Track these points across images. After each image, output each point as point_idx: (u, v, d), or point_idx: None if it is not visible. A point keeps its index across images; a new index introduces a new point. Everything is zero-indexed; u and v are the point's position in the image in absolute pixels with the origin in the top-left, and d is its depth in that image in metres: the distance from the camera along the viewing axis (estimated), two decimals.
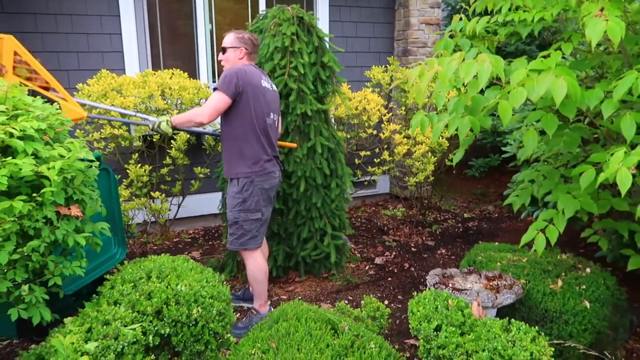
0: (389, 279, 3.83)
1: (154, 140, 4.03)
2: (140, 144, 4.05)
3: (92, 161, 2.01)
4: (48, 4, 4.27)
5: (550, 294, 2.63)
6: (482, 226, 5.14)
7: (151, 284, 1.92)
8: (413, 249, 4.45)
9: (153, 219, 4.42)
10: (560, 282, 2.69)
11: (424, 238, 4.72)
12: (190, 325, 1.87)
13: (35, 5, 4.23)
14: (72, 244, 1.85)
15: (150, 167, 4.03)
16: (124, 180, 4.00)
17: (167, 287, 1.91)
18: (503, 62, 2.06)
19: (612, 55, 2.59)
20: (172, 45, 4.93)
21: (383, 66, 5.32)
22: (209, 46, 4.97)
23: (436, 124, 2.32)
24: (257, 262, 3.02)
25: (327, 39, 3.64)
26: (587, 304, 2.58)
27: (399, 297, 3.51)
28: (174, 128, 3.00)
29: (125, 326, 1.77)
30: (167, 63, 4.83)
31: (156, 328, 1.82)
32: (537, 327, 2.11)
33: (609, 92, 2.06)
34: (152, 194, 4.00)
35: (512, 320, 2.15)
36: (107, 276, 2.13)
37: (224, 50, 2.99)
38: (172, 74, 4.30)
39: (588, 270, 2.83)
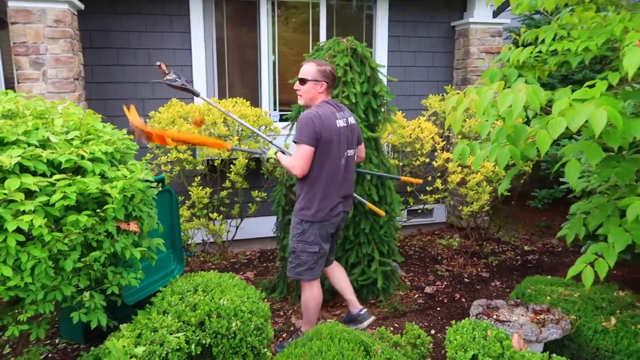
0: (438, 308, 3.78)
1: (216, 164, 4.29)
2: (203, 167, 4.33)
3: (152, 182, 2.23)
4: (130, 40, 4.72)
5: (602, 331, 2.51)
6: (543, 260, 4.94)
7: (197, 297, 2.07)
8: (466, 279, 4.36)
9: (212, 240, 4.66)
10: (613, 320, 2.57)
11: (478, 269, 4.62)
12: (230, 337, 1.99)
13: (118, 41, 4.70)
14: (129, 256, 2.05)
15: (211, 190, 4.28)
16: (186, 201, 4.27)
17: (210, 301, 2.05)
18: (543, 92, 2.06)
19: None
20: (237, 76, 5.25)
21: (440, 95, 5.35)
22: (271, 76, 5.24)
23: (477, 154, 2.34)
24: (310, 293, 3.03)
25: (380, 69, 3.75)
26: None
27: (447, 327, 3.45)
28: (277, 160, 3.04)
29: (171, 334, 1.92)
30: (232, 92, 5.15)
31: (198, 338, 1.96)
32: None
33: None
34: (210, 215, 4.24)
35: (554, 355, 2.09)
36: (161, 288, 2.32)
37: (303, 81, 2.94)
38: (236, 102, 4.58)
39: None
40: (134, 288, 2.78)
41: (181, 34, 4.91)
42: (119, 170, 2.05)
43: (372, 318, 3.22)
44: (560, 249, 5.31)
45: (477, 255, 4.95)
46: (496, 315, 2.69)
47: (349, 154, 3.01)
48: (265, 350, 2.13)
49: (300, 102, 3.03)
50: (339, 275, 3.26)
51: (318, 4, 5.28)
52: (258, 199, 4.54)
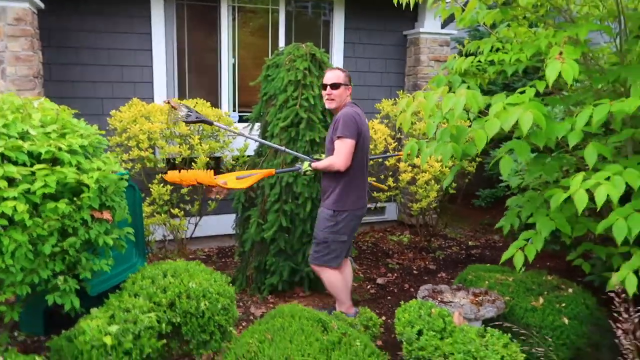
0: (389, 297, 4.05)
1: (177, 162, 4.40)
2: (164, 165, 4.42)
3: (124, 174, 2.35)
4: (90, 40, 4.75)
5: (532, 310, 2.83)
6: (485, 253, 5.32)
7: (167, 280, 2.22)
8: (415, 271, 4.67)
9: (171, 237, 4.75)
10: (541, 300, 2.90)
11: (426, 262, 4.94)
12: (198, 316, 2.15)
13: (78, 40, 4.72)
14: (102, 243, 2.18)
15: (172, 187, 4.38)
16: (147, 198, 4.35)
17: (180, 284, 2.20)
18: (481, 96, 2.35)
19: (588, 94, 2.86)
20: (197, 77, 5.37)
21: (393, 99, 5.66)
22: (231, 78, 5.39)
23: (425, 150, 2.61)
24: (334, 275, 3.28)
25: None
26: (566, 320, 2.77)
27: None
28: (313, 170, 3.30)
29: (143, 314, 2.06)
30: (192, 93, 5.25)
31: (169, 317, 2.11)
32: (515, 340, 2.32)
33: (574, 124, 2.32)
34: (172, 211, 4.34)
35: (488, 328, 2.38)
36: (130, 275, 2.44)
37: (336, 86, 3.20)
38: (196, 102, 4.70)
39: (570, 290, 3.03)
40: (99, 279, 2.89)
41: (142, 35, 4.98)
42: (93, 162, 2.17)
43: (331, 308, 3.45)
44: (501, 244, 5.72)
45: (426, 250, 5.28)
46: (440, 297, 2.96)
47: (368, 147, 3.36)
48: (231, 328, 2.30)
49: (331, 105, 3.27)
50: (348, 272, 3.49)
51: (277, 10, 5.48)
52: (218, 196, 4.68)
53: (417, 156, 2.74)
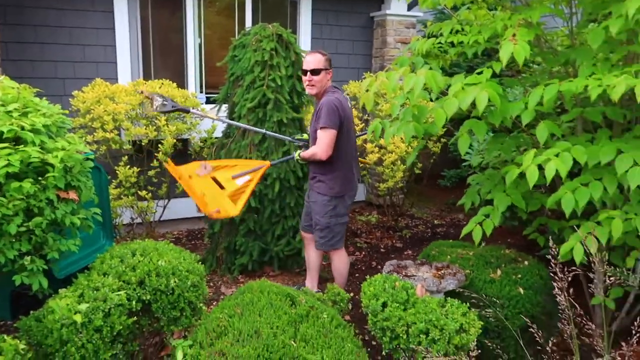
0: (357, 275, 4.16)
1: (143, 144, 4.36)
2: (130, 147, 4.38)
3: (89, 154, 2.35)
4: (47, 17, 4.61)
5: (490, 281, 2.98)
6: (450, 232, 5.50)
7: (135, 259, 2.24)
8: (382, 250, 4.80)
9: (139, 220, 4.73)
10: (499, 272, 3.05)
11: (393, 241, 5.07)
12: (168, 293, 2.19)
13: (35, 18, 4.58)
14: (68, 223, 2.18)
15: (139, 169, 4.35)
16: (113, 180, 4.31)
17: (149, 262, 2.23)
18: (441, 76, 2.44)
19: (542, 75, 2.99)
20: (163, 57, 5.29)
21: (360, 81, 5.72)
22: (197, 59, 5.33)
23: (388, 129, 2.69)
24: (344, 258, 3.44)
25: (304, 54, 4.02)
26: (521, 290, 2.93)
27: None
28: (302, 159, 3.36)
29: (113, 292, 2.09)
30: (157, 74, 5.18)
31: (139, 295, 2.14)
32: (474, 309, 2.45)
33: (527, 103, 2.44)
34: (139, 193, 4.32)
35: (448, 298, 2.50)
36: (98, 255, 2.45)
37: (316, 72, 3.19)
38: (162, 84, 4.65)
39: (526, 262, 3.20)
40: (66, 261, 2.88)
41: (104, 13, 4.87)
42: (57, 142, 2.16)
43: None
44: (465, 222, 5.91)
45: (393, 229, 5.41)
46: (405, 272, 3.08)
47: (354, 130, 3.44)
48: (201, 305, 2.35)
49: (312, 92, 3.28)
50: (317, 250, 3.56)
51: None
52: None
53: (381, 136, 2.82)
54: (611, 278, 2.49)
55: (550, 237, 3.53)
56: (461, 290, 3.02)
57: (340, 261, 3.45)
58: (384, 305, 2.49)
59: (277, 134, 3.71)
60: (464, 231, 2.81)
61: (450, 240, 3.72)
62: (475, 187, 3.29)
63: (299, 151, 3.37)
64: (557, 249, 2.27)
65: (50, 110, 2.24)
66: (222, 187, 3.25)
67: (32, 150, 1.97)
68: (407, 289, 2.60)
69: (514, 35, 2.16)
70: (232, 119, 4.02)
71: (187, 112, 3.70)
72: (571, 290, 2.16)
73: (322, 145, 3.14)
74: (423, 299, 2.51)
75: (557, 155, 2.20)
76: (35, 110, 2.14)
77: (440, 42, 2.82)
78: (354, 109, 5.18)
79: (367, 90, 2.45)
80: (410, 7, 6.28)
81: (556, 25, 4.04)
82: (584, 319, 2.27)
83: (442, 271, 3.08)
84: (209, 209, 3.11)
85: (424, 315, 2.35)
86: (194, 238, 5.04)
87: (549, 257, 2.25)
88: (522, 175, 2.58)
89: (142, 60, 5.16)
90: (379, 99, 5.12)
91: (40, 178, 2.02)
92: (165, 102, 3.57)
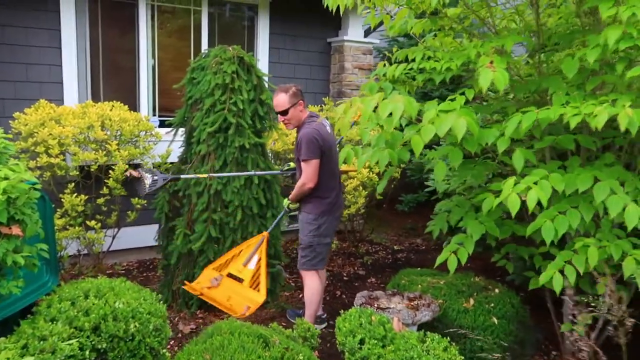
0: (322, 305, 4.00)
1: (92, 169, 4.06)
2: (77, 173, 4.06)
3: (34, 184, 2.10)
4: None
5: (464, 311, 2.92)
6: (411, 257, 5.46)
7: (89, 302, 2.00)
8: (345, 278, 4.67)
9: (86, 251, 4.37)
10: (472, 301, 2.99)
11: (355, 268, 4.96)
12: (127, 340, 1.96)
13: None
14: (10, 263, 1.91)
15: (87, 197, 4.03)
16: (58, 209, 3.97)
17: (105, 304, 2.00)
18: (416, 103, 2.38)
19: (509, 101, 3.02)
20: (113, 79, 5.02)
21: (319, 106, 5.66)
22: (150, 81, 5.10)
23: (361, 156, 2.60)
24: (317, 284, 3.37)
25: (266, 78, 3.91)
26: (495, 320, 2.88)
27: (331, 322, 3.69)
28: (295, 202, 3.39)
29: (63, 342, 1.84)
30: (107, 96, 4.90)
31: (93, 343, 1.89)
32: (449, 340, 2.36)
33: (501, 131, 2.42)
34: (87, 223, 4.00)
35: (428, 332, 2.40)
36: (43, 297, 2.18)
37: (285, 112, 3.22)
38: (113, 106, 4.38)
39: (497, 290, 3.17)
40: (4, 302, 2.56)
41: (49, 31, 4.57)
42: None
43: (325, 325, 3.59)
44: (424, 247, 5.91)
45: (354, 256, 5.31)
46: (377, 304, 2.96)
47: (337, 151, 3.43)
48: (164, 350, 2.12)
49: (290, 127, 3.37)
50: (321, 274, 3.51)
51: (200, 12, 5.28)
52: (138, 206, 4.38)
53: (344, 162, 2.76)
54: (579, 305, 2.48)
55: (513, 264, 3.54)
56: (434, 321, 2.94)
57: (313, 285, 3.38)
58: (362, 342, 2.35)
59: (266, 171, 3.67)
60: (438, 260, 2.74)
61: (418, 269, 3.65)
62: (443, 214, 3.24)
63: (285, 200, 3.43)
64: (524, 277, 2.23)
65: None
66: (240, 279, 3.26)
67: None
68: (384, 323, 2.48)
69: (491, 62, 2.13)
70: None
71: (178, 179, 3.59)
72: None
73: (308, 175, 3.21)
74: (402, 334, 2.39)
75: (535, 184, 2.18)
76: None
77: (411, 68, 2.78)
78: None
79: (342, 117, 2.35)
80: (366, 34, 6.34)
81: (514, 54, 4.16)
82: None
83: (415, 302, 2.98)
84: (238, 312, 3.11)
85: (405, 352, 2.23)
86: (146, 269, 4.72)
87: (517, 283, 2.20)
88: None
89: (91, 81, 4.87)
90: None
91: None
92: (155, 178, 3.40)
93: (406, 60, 2.90)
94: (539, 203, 2.14)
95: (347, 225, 5.52)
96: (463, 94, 2.57)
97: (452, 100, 2.47)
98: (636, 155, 2.54)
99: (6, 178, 1.88)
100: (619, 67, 2.02)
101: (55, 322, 1.92)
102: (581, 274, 2.33)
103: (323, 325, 3.60)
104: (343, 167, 3.77)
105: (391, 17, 3.14)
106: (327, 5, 2.95)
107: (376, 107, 2.30)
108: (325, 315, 3.69)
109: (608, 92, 2.21)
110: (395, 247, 5.81)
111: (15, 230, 1.94)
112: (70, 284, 2.25)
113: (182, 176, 3.62)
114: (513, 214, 2.11)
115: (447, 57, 2.59)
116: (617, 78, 2.14)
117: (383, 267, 5.04)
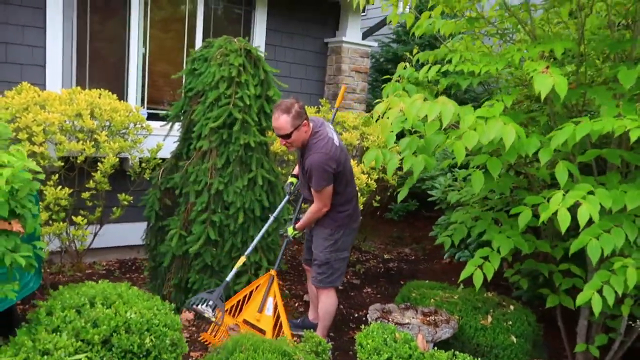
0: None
1: (78, 161, 3.74)
2: (61, 164, 3.74)
3: (37, 173, 1.83)
4: None
5: (482, 329, 2.78)
6: (402, 267, 5.33)
7: (98, 311, 1.75)
8: (340, 287, 4.48)
9: (62, 248, 4.03)
10: (490, 318, 2.86)
11: (349, 277, 4.79)
12: (142, 356, 1.72)
13: None
14: (9, 263, 1.65)
15: (71, 190, 3.71)
16: (39, 202, 3.64)
17: (115, 314, 1.75)
18: (457, 107, 2.23)
19: (536, 112, 2.91)
20: (101, 65, 4.70)
21: (315, 107, 5.48)
22: (140, 70, 4.81)
23: (390, 160, 2.43)
24: (334, 300, 3.18)
25: (273, 73, 3.70)
26: (514, 339, 2.76)
27: (332, 333, 3.49)
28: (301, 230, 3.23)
29: (69, 356, 1.58)
30: (93, 83, 4.57)
31: (104, 359, 1.65)
32: None
33: (543, 141, 2.29)
34: (74, 218, 3.69)
35: (457, 352, 2.24)
36: (39, 302, 1.91)
37: (287, 136, 2.89)
38: (100, 94, 4.07)
39: (512, 307, 3.05)
40: None
41: (33, 9, 4.23)
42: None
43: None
44: (413, 257, 5.80)
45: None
46: (391, 318, 2.79)
47: (348, 155, 3.21)
48: None
49: (293, 149, 3.13)
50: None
51: (195, 1, 5.03)
52: (125, 202, 4.08)
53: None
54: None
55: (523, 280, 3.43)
56: (451, 338, 2.79)
57: (330, 302, 3.18)
58: None
59: (279, 208, 3.38)
60: (463, 275, 2.58)
61: (427, 281, 3.50)
62: (460, 225, 3.11)
63: (290, 228, 3.22)
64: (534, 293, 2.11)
65: None
66: (262, 331, 2.95)
67: None
68: (409, 341, 2.31)
69: (547, 67, 2.00)
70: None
71: (221, 297, 3.06)
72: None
73: (322, 201, 3.00)
74: (431, 353, 2.23)
75: (583, 199, 2.05)
76: None
77: (446, 70, 2.63)
78: None
79: (383, 118, 2.17)
80: (364, 37, 6.21)
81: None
82: None
83: (431, 317, 2.83)
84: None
85: None
86: (128, 270, 4.41)
87: (524, 299, 2.07)
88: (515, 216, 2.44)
89: (77, 66, 4.54)
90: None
91: None
92: (210, 301, 2.94)
93: (436, 63, 2.74)
94: (573, 218, 2.02)
95: None
96: (500, 100, 2.43)
97: (490, 105, 2.34)
98: None
99: (9, 165, 1.61)
100: None
101: (59, 333, 1.66)
102: (620, 296, 2.22)
103: None
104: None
105: (416, 17, 2.98)
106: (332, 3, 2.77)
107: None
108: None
109: None
110: (385, 256, 5.67)
111: (16, 226, 1.68)
112: (69, 287, 1.98)
113: (228, 279, 3.16)
114: (563, 230, 1.98)
115: (485, 61, 2.45)
116: None
117: (376, 277, 4.89)
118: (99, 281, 2.31)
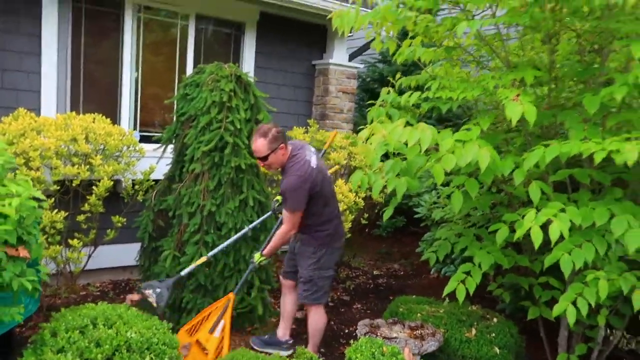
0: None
1: (73, 185, 3.84)
2: (57, 188, 3.83)
3: (42, 201, 1.94)
4: None
5: (466, 341, 2.90)
6: (391, 283, 5.44)
7: (100, 331, 1.85)
8: (330, 303, 4.58)
9: (58, 271, 4.10)
10: (474, 331, 2.98)
11: (339, 294, 4.89)
12: None
13: None
14: (17, 287, 1.75)
15: (67, 213, 3.80)
16: None
17: (117, 334, 1.85)
18: (437, 132, 2.39)
19: (513, 133, 3.08)
20: (94, 90, 4.81)
21: (304, 127, 5.62)
22: (133, 94, 4.93)
23: (375, 182, 2.57)
24: (322, 316, 3.26)
25: (263, 97, 3.84)
26: (497, 350, 2.88)
27: (322, 349, 3.59)
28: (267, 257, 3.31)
29: None
30: (87, 108, 4.68)
31: None
32: None
33: (517, 163, 2.45)
34: (70, 241, 3.77)
35: None
36: (44, 324, 2.00)
37: (264, 158, 3.01)
38: (94, 118, 4.18)
39: (495, 320, 3.18)
40: None
41: (29, 36, 4.35)
42: (7, 186, 1.75)
43: (292, 351, 3.39)
44: (402, 273, 5.91)
45: (336, 281, 5.23)
46: (379, 332, 2.91)
47: (330, 178, 3.31)
48: None
49: (272, 170, 3.25)
50: (294, 299, 3.44)
51: (187, 26, 5.18)
52: (119, 224, 4.17)
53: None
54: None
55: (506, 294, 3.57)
56: (436, 351, 2.90)
57: (318, 318, 3.26)
58: None
59: (259, 220, 3.51)
60: (446, 290, 2.72)
61: (414, 296, 3.62)
62: (445, 242, 3.24)
63: (257, 255, 3.30)
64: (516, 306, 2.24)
65: None
66: (205, 349, 3.05)
67: None
68: (396, 354, 2.43)
69: (518, 95, 2.16)
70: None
71: (181, 278, 3.35)
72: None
73: (288, 223, 3.09)
74: None
75: (554, 216, 2.20)
76: None
77: (427, 97, 2.79)
78: None
79: (366, 143, 2.32)
80: (351, 59, 6.40)
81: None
82: None
83: (418, 331, 2.95)
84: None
85: None
86: (122, 291, 4.48)
87: (508, 312, 2.20)
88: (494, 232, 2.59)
89: (70, 91, 4.65)
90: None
91: None
92: (158, 289, 3.13)
93: (417, 88, 2.91)
94: (546, 234, 2.17)
95: None
96: (477, 124, 2.59)
97: (467, 130, 2.50)
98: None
99: (17, 195, 1.72)
100: None
101: (64, 354, 1.76)
102: (593, 306, 2.36)
103: (289, 352, 3.40)
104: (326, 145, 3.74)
105: (398, 45, 3.16)
106: (331, 26, 2.94)
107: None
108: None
109: (630, 129, 2.28)
110: (375, 272, 5.78)
111: (23, 252, 1.78)
112: (71, 310, 2.08)
113: (183, 273, 3.32)
114: (536, 246, 2.12)
115: (462, 87, 2.61)
116: (638, 117, 2.22)
117: (366, 293, 4.99)
118: (97, 302, 2.41)
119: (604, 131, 2.30)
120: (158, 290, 3.09)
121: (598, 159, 2.03)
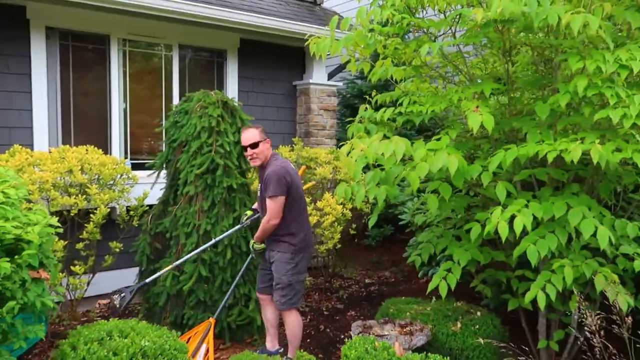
0: (308, 340, 4.09)
1: (71, 214, 4.01)
2: (56, 218, 3.99)
3: (57, 227, 2.14)
4: None
5: (453, 334, 3.12)
6: (383, 290, 5.65)
7: (118, 341, 2.04)
8: (325, 312, 4.78)
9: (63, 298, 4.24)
10: (459, 324, 3.21)
11: (333, 302, 5.09)
12: None
13: None
14: (40, 306, 1.94)
15: (66, 242, 3.96)
16: None
17: (132, 343, 2.04)
18: (409, 143, 2.64)
19: (482, 139, 3.35)
20: (85, 123, 5.01)
21: (289, 146, 5.87)
22: (122, 124, 5.13)
23: (358, 193, 2.81)
24: (299, 319, 3.42)
25: (249, 121, 4.08)
26: (481, 341, 3.10)
27: (320, 355, 3.78)
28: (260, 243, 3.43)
29: None
30: (78, 140, 4.87)
31: None
32: None
33: (484, 166, 2.71)
34: (72, 268, 3.92)
35: (429, 354, 2.58)
36: (61, 341, 2.18)
37: (255, 145, 3.28)
38: (87, 150, 4.38)
39: (479, 313, 3.41)
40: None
41: (19, 75, 4.56)
42: (28, 215, 1.95)
43: (285, 358, 3.49)
44: (393, 280, 6.13)
45: (330, 291, 5.44)
46: (372, 332, 3.12)
47: (302, 190, 3.52)
48: None
49: (257, 163, 3.37)
50: (274, 309, 3.53)
51: (170, 57, 5.42)
52: (117, 250, 4.34)
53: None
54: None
55: (491, 289, 3.80)
56: (426, 345, 3.12)
57: (295, 320, 3.40)
58: None
59: (229, 231, 3.66)
60: (430, 287, 2.94)
61: (403, 298, 3.84)
62: (427, 244, 3.48)
63: (251, 241, 3.45)
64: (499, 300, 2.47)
65: (18, 181, 2.03)
66: None
67: (8, 225, 1.76)
68: (387, 348, 2.64)
69: (477, 107, 2.43)
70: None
71: (146, 285, 3.65)
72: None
73: (273, 211, 3.26)
74: (405, 357, 2.56)
75: (518, 212, 2.46)
76: (4, 180, 1.94)
77: (400, 112, 3.05)
78: None
79: (348, 157, 2.56)
80: (330, 77, 6.69)
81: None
82: None
83: (408, 328, 3.16)
84: None
85: None
86: (122, 315, 4.61)
87: (492, 306, 2.43)
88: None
89: (62, 125, 4.84)
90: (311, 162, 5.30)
91: (16, 257, 1.80)
92: (122, 294, 3.43)
93: (393, 103, 3.17)
94: (513, 227, 2.41)
95: (321, 261, 5.65)
96: (447, 134, 2.85)
97: (437, 139, 2.75)
98: (596, 185, 2.90)
99: (37, 223, 1.92)
100: (586, 110, 2.38)
101: None
102: (560, 291, 2.61)
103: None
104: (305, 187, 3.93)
105: (371, 65, 3.43)
106: (307, 49, 3.20)
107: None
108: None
109: (577, 130, 2.56)
110: (367, 281, 5.99)
111: (43, 274, 1.97)
112: (86, 326, 2.26)
113: (148, 280, 3.60)
114: (503, 239, 2.37)
115: (431, 102, 2.88)
116: (584, 119, 2.50)
117: (359, 300, 5.19)
118: None
119: (555, 133, 2.58)
120: (123, 294, 3.39)
121: (550, 158, 2.29)
